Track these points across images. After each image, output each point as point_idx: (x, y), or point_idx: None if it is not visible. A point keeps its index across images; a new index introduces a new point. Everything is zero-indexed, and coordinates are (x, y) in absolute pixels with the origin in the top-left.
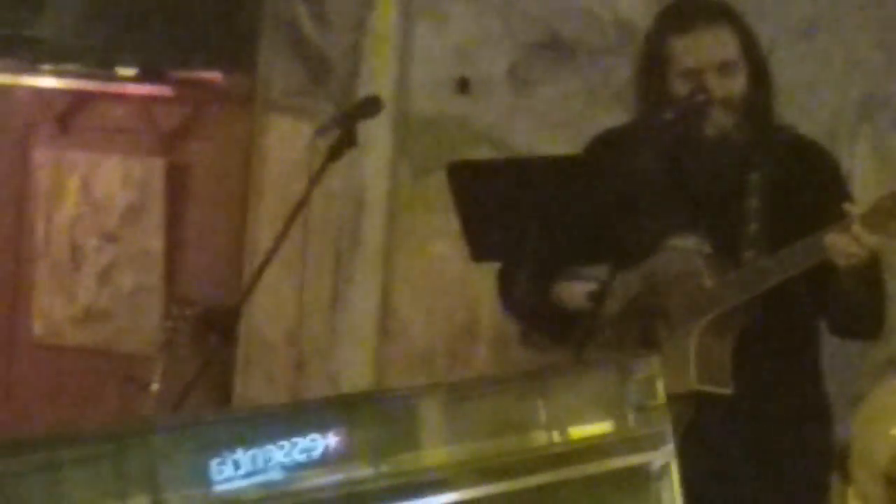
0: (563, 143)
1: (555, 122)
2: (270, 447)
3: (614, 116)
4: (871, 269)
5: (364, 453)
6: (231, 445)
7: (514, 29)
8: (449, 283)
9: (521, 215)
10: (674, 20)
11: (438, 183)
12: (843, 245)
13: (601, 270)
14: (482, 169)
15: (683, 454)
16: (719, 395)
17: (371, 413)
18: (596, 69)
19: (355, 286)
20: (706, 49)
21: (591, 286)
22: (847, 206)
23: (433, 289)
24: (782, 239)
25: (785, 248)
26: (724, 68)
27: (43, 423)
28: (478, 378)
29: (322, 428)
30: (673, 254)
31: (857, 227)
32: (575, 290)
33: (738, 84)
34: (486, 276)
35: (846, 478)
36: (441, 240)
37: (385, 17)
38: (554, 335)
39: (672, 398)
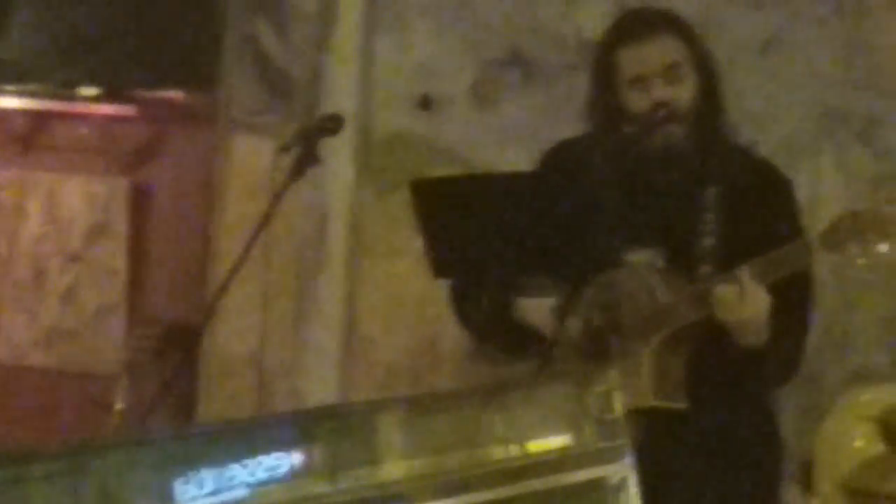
0: (525, 160)
1: (517, 139)
2: (234, 466)
3: (578, 133)
4: (764, 326)
5: (324, 468)
6: (195, 464)
7: (477, 46)
8: (412, 300)
9: (483, 231)
10: (622, 32)
11: (401, 200)
12: (730, 299)
13: (558, 286)
14: (444, 185)
15: (639, 468)
16: (674, 409)
17: (331, 428)
18: (558, 86)
19: (319, 304)
20: (652, 54)
21: (551, 302)
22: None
23: (397, 306)
24: (737, 254)
25: (742, 266)
26: (669, 72)
27: (5, 444)
28: (436, 392)
29: (286, 446)
30: (628, 269)
31: (745, 279)
32: (536, 306)
33: (687, 91)
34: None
35: (809, 490)
36: (404, 257)
37: (347, 35)
38: (508, 351)
39: (628, 413)
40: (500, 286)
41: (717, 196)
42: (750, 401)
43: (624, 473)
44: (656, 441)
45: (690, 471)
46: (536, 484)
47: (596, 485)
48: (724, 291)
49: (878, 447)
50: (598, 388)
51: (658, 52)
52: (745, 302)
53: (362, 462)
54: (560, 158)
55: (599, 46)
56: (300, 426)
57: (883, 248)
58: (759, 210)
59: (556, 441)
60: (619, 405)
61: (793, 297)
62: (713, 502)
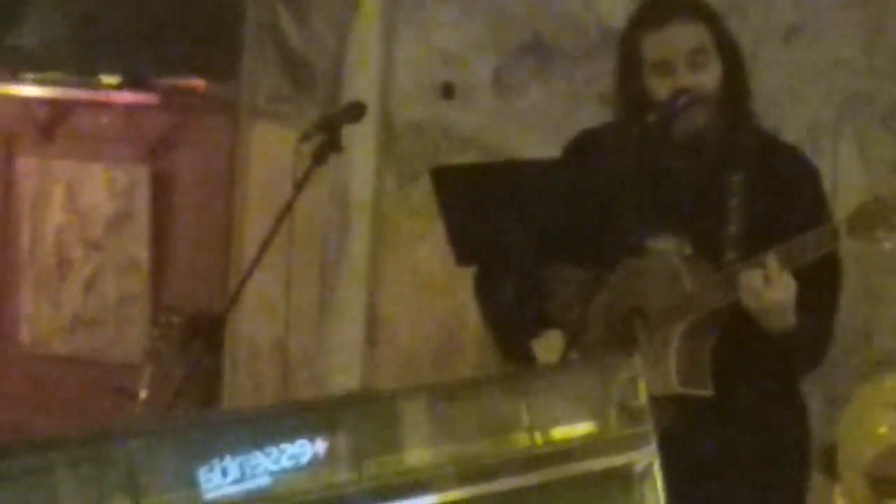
0: (547, 147)
1: (539, 126)
2: (258, 454)
3: (599, 119)
4: (788, 312)
5: (347, 456)
6: (219, 452)
7: (498, 33)
8: (435, 287)
9: (505, 219)
10: (646, 17)
11: (423, 188)
12: (753, 284)
13: (584, 273)
14: (466, 173)
15: (663, 456)
16: (699, 396)
17: (355, 415)
18: (580, 73)
19: (341, 292)
20: (676, 40)
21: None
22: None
23: (419, 294)
24: (763, 241)
25: (768, 251)
26: (694, 58)
27: (30, 433)
28: (461, 380)
29: (309, 433)
30: (653, 256)
31: (770, 266)
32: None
33: (711, 77)
34: (471, 280)
35: (832, 476)
36: (426, 244)
37: (368, 23)
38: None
39: (653, 400)
40: (523, 274)
41: (743, 182)
42: (780, 388)
43: (649, 460)
44: (685, 428)
45: (719, 458)
46: (561, 471)
47: (621, 472)
48: (750, 277)
49: None
50: (622, 374)
51: (682, 37)
52: (772, 287)
53: (386, 450)
54: (584, 146)
55: (623, 32)
56: (324, 413)
57: None
58: (784, 196)
59: (580, 428)
60: (643, 392)
61: (820, 281)
62: (741, 490)
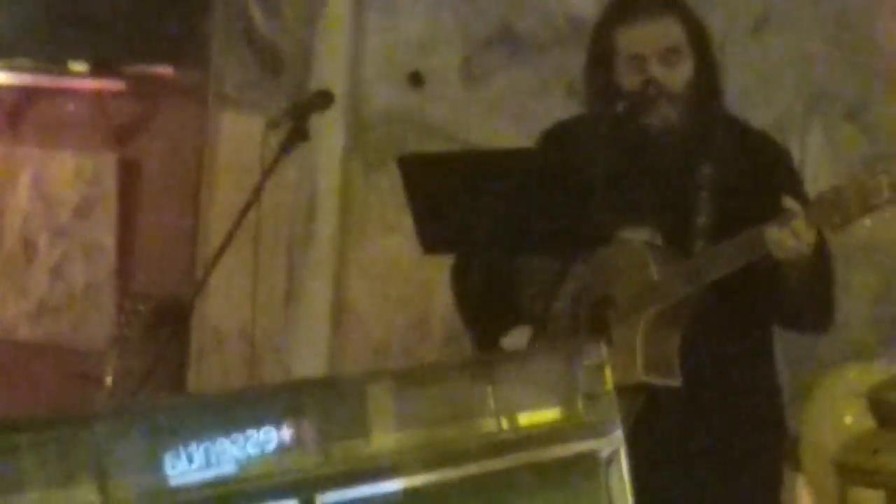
0: (515, 137)
1: (507, 116)
2: (224, 440)
3: (567, 109)
4: (814, 263)
5: (314, 441)
6: (184, 438)
7: (467, 22)
8: (402, 275)
9: (473, 208)
10: (620, 9)
11: (391, 176)
12: (783, 238)
13: (554, 262)
14: (433, 161)
15: (634, 445)
16: (667, 386)
17: (321, 400)
18: (548, 62)
19: (309, 279)
20: (650, 36)
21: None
22: (786, 201)
23: (386, 281)
24: (733, 231)
25: (727, 241)
26: (667, 56)
27: None
28: (427, 365)
29: (275, 419)
30: (623, 245)
31: (796, 222)
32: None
33: (683, 73)
34: (438, 269)
35: (795, 466)
36: (394, 233)
37: (337, 11)
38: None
39: (621, 389)
40: (492, 264)
41: (713, 173)
42: (758, 378)
43: (615, 447)
44: (661, 418)
45: (695, 448)
46: (527, 456)
47: (587, 458)
48: (773, 233)
49: (867, 423)
50: (588, 361)
51: (657, 33)
52: (800, 239)
53: (352, 434)
54: (554, 136)
55: (596, 24)
56: (289, 399)
57: (866, 221)
58: (758, 184)
59: (546, 414)
60: (609, 379)
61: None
62: (713, 479)
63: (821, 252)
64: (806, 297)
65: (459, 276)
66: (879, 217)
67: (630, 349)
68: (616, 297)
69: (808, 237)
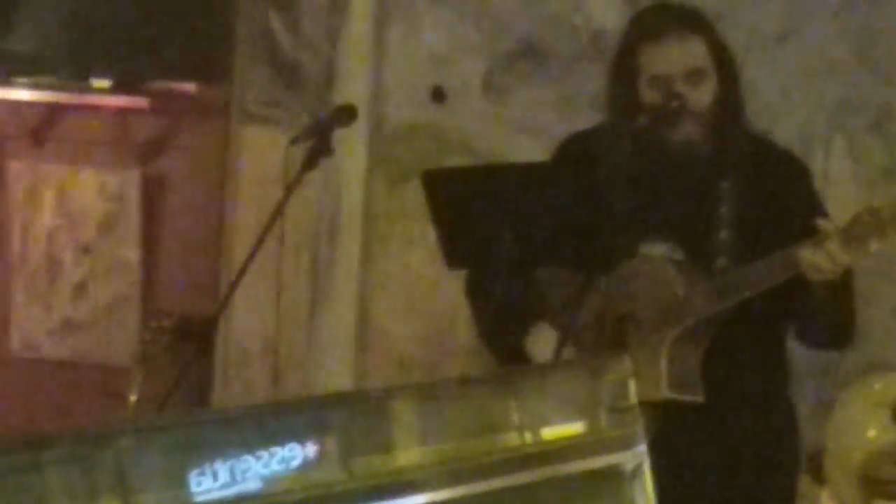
0: (538, 151)
1: (530, 130)
2: (248, 458)
3: (589, 123)
4: (843, 284)
5: (337, 456)
6: (209, 456)
7: (489, 37)
8: (426, 291)
9: (496, 222)
10: (645, 27)
11: (414, 191)
12: (818, 261)
13: (576, 277)
14: (456, 176)
15: (653, 461)
16: (690, 402)
17: (344, 415)
18: (570, 77)
19: (332, 295)
20: (675, 56)
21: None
22: (820, 223)
23: (410, 297)
24: (753, 247)
25: (759, 261)
26: (692, 76)
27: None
28: (450, 379)
29: (299, 436)
30: (645, 260)
31: (832, 245)
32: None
33: (707, 92)
34: (462, 284)
35: (819, 480)
36: (417, 248)
37: (359, 26)
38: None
39: (643, 405)
40: (514, 277)
41: (734, 188)
42: (770, 393)
43: (638, 461)
44: (676, 432)
45: (709, 462)
46: (551, 471)
47: (611, 472)
48: (808, 254)
49: (892, 435)
50: (612, 375)
51: (682, 53)
52: (835, 261)
53: (376, 450)
54: (575, 150)
55: (620, 41)
56: (313, 415)
57: None
58: (777, 199)
59: (570, 428)
60: (632, 393)
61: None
62: (731, 493)
63: (849, 272)
64: (830, 315)
65: (476, 289)
66: None
67: (654, 365)
68: (640, 313)
69: (843, 259)
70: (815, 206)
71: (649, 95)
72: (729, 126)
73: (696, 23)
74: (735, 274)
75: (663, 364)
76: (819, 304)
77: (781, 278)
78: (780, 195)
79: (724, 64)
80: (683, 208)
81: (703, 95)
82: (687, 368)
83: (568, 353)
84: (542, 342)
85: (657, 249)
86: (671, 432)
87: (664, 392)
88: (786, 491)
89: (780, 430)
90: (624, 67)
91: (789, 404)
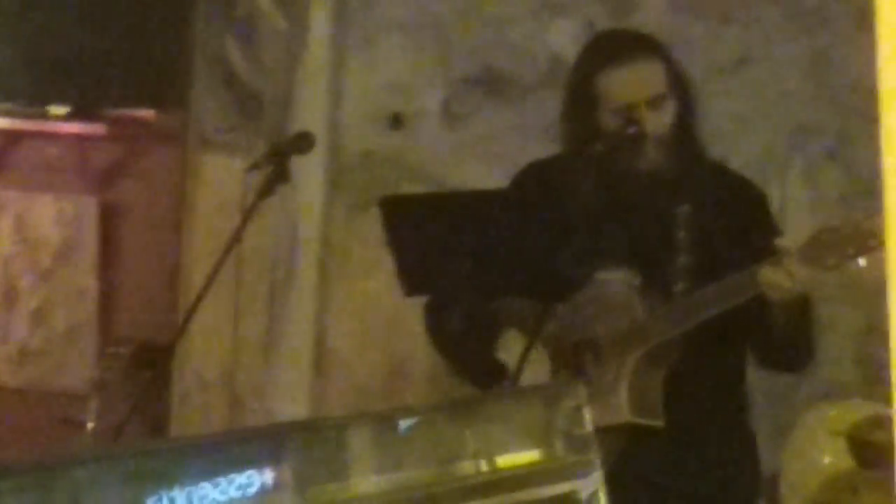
0: (497, 178)
1: (489, 157)
2: (205, 485)
3: (548, 150)
4: (802, 304)
5: (294, 484)
6: (166, 483)
7: (447, 64)
8: (384, 318)
9: (454, 250)
10: (602, 54)
11: (372, 218)
12: (777, 279)
13: (533, 305)
14: (414, 203)
15: (614, 485)
16: (651, 427)
17: (301, 443)
18: (529, 103)
19: (289, 323)
20: (637, 83)
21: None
22: (778, 242)
23: (368, 325)
24: (711, 272)
25: (717, 283)
26: (654, 102)
27: None
28: (405, 407)
29: (257, 463)
30: (605, 286)
31: (791, 263)
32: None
33: (666, 117)
34: (420, 312)
35: None
36: (375, 275)
37: (317, 53)
38: (475, 373)
39: (604, 430)
40: (472, 306)
41: (691, 213)
42: (729, 418)
43: (594, 488)
44: (636, 457)
45: (668, 488)
46: (507, 499)
47: (566, 499)
48: (768, 273)
49: (847, 463)
50: (567, 402)
51: (643, 78)
52: (794, 279)
53: (332, 478)
54: (532, 177)
55: (576, 67)
56: (271, 442)
57: (861, 262)
58: (734, 226)
59: (525, 456)
60: (588, 420)
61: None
62: None
63: (807, 293)
64: (790, 336)
65: (435, 316)
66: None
67: (615, 390)
68: (600, 338)
69: (802, 275)
70: (771, 231)
71: (609, 122)
72: (686, 151)
73: (652, 47)
74: (695, 296)
75: (624, 389)
76: (777, 325)
77: (742, 298)
78: (737, 220)
79: (681, 88)
80: (641, 234)
81: (661, 119)
82: (648, 393)
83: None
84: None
85: (615, 275)
86: (631, 457)
87: (626, 416)
88: None
89: (739, 455)
90: (581, 94)
91: (748, 430)
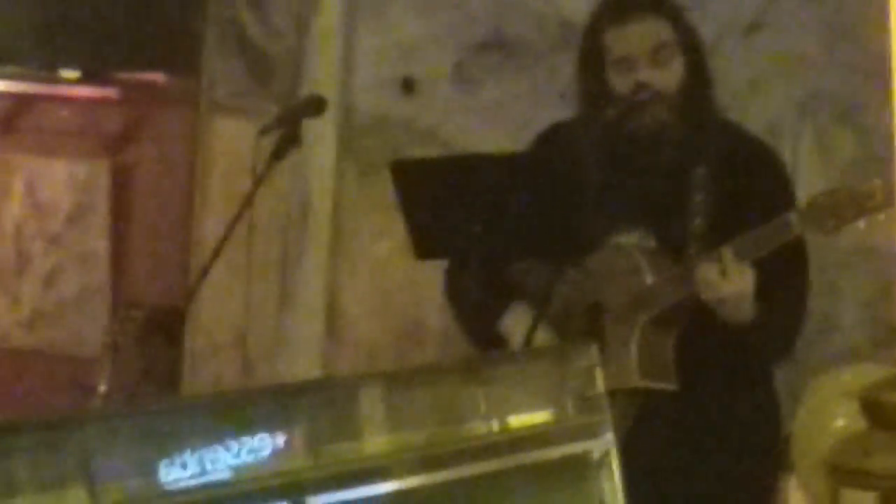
0: (508, 142)
1: (500, 121)
2: (218, 448)
3: (560, 115)
4: (741, 308)
5: (305, 444)
6: (179, 446)
7: (459, 28)
8: (395, 281)
9: (466, 213)
10: (608, 12)
11: (384, 182)
12: (712, 278)
13: (547, 268)
14: (426, 167)
15: (631, 449)
16: (663, 390)
17: (313, 403)
18: (541, 68)
19: (301, 285)
20: (638, 37)
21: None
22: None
23: (379, 288)
24: (727, 234)
25: (724, 245)
26: (656, 55)
27: None
28: (417, 367)
29: (269, 426)
30: (616, 249)
31: (726, 261)
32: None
33: (674, 73)
34: (431, 275)
35: (787, 467)
36: (387, 239)
37: (328, 17)
38: (481, 339)
39: (615, 393)
40: (485, 269)
41: (707, 175)
42: (751, 381)
43: (606, 449)
44: (652, 421)
45: (687, 451)
46: (518, 459)
47: (578, 460)
48: (706, 270)
49: (860, 425)
50: (579, 363)
51: (645, 33)
52: (728, 280)
53: (344, 438)
54: (549, 140)
55: (586, 27)
56: (282, 403)
57: (861, 224)
58: (749, 188)
59: (537, 416)
60: (600, 381)
61: (787, 273)
62: (708, 484)
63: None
64: (751, 331)
65: (453, 281)
66: (871, 220)
67: (626, 353)
68: (609, 302)
69: (739, 278)
70: (786, 193)
71: (617, 80)
72: (699, 110)
73: (661, 6)
74: (700, 259)
75: (634, 352)
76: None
77: (754, 257)
78: (751, 182)
79: (690, 43)
80: (656, 196)
81: (670, 75)
82: (658, 356)
83: (544, 337)
84: (518, 323)
85: (630, 238)
86: (644, 420)
87: (636, 380)
88: (765, 480)
89: (761, 417)
90: (590, 52)
91: (772, 391)
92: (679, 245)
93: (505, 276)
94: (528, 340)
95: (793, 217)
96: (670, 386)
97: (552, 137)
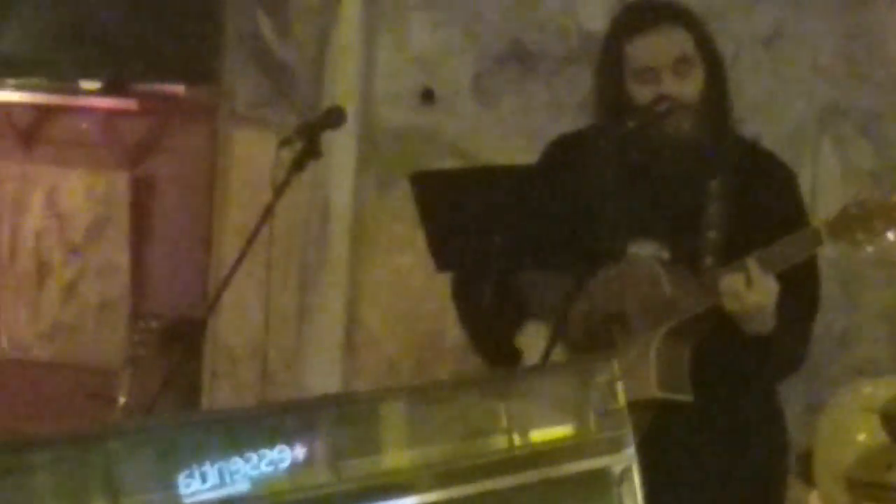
0: (527, 153)
1: (519, 132)
2: (237, 459)
3: (579, 126)
4: (763, 318)
5: (326, 458)
6: (198, 458)
7: (478, 39)
8: (414, 293)
9: (485, 224)
10: (629, 23)
11: (403, 194)
12: (737, 287)
13: (564, 279)
14: (445, 178)
15: (642, 460)
16: (680, 402)
17: (333, 417)
18: (560, 79)
19: (321, 297)
20: (660, 47)
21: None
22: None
23: (399, 299)
24: (741, 247)
25: (750, 255)
26: (678, 66)
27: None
28: (439, 382)
29: (289, 438)
30: (633, 261)
31: (753, 270)
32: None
33: (694, 84)
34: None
35: (808, 481)
36: (406, 250)
37: (348, 29)
38: (494, 353)
39: (632, 405)
40: (501, 280)
41: (722, 188)
42: (759, 394)
43: (627, 463)
44: (664, 433)
45: (697, 463)
46: (539, 474)
47: (599, 475)
48: (731, 280)
49: (880, 439)
50: (600, 378)
51: (666, 44)
52: (753, 291)
53: (364, 452)
54: (562, 151)
55: (606, 38)
56: (302, 417)
57: (891, 236)
58: (763, 202)
59: (558, 431)
60: (621, 395)
61: (800, 287)
62: (719, 495)
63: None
64: (768, 344)
65: (463, 292)
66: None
67: (643, 365)
68: (627, 314)
69: (764, 287)
70: (799, 210)
71: (637, 91)
72: (717, 123)
73: (682, 17)
74: (721, 271)
75: (652, 364)
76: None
77: (776, 270)
78: (767, 197)
79: (710, 54)
80: (672, 207)
81: (690, 87)
82: (676, 368)
83: (558, 354)
84: (534, 339)
85: (645, 249)
86: (660, 432)
87: (654, 392)
88: (774, 492)
89: (768, 430)
90: (609, 63)
91: (778, 404)
92: (693, 257)
93: (522, 288)
94: (548, 354)
95: (821, 228)
96: (686, 397)
97: (561, 147)
